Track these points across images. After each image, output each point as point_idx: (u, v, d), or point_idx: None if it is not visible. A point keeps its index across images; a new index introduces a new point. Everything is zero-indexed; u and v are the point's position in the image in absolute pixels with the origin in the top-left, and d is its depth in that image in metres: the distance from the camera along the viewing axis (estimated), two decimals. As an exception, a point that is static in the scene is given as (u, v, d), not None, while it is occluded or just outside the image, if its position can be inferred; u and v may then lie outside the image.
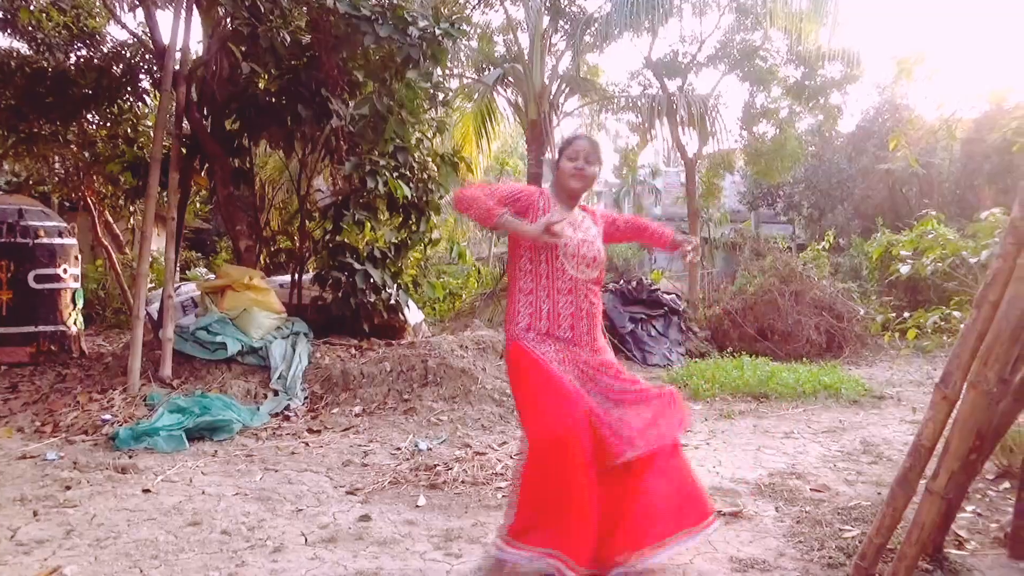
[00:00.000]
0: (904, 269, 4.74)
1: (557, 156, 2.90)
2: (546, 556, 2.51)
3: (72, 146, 9.62)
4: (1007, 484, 3.67)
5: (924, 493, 2.53)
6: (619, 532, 2.58)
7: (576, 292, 2.74)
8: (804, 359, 8.96)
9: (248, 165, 8.02)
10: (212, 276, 10.56)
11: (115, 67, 8.37)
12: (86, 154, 9.75)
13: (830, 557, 2.85)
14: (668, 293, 10.63)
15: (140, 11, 7.37)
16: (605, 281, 10.66)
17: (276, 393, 5.89)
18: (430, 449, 4.71)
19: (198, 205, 12.21)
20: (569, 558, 2.45)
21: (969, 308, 3.30)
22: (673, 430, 2.68)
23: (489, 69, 13.60)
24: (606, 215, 3.08)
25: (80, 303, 7.62)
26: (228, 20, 6.62)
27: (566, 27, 13.25)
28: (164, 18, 8.83)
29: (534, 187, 2.92)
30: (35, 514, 3.36)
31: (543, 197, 2.85)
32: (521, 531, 2.59)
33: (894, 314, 5.41)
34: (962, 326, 2.60)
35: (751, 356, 8.60)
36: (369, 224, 7.41)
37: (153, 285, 9.16)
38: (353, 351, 6.99)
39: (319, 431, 5.22)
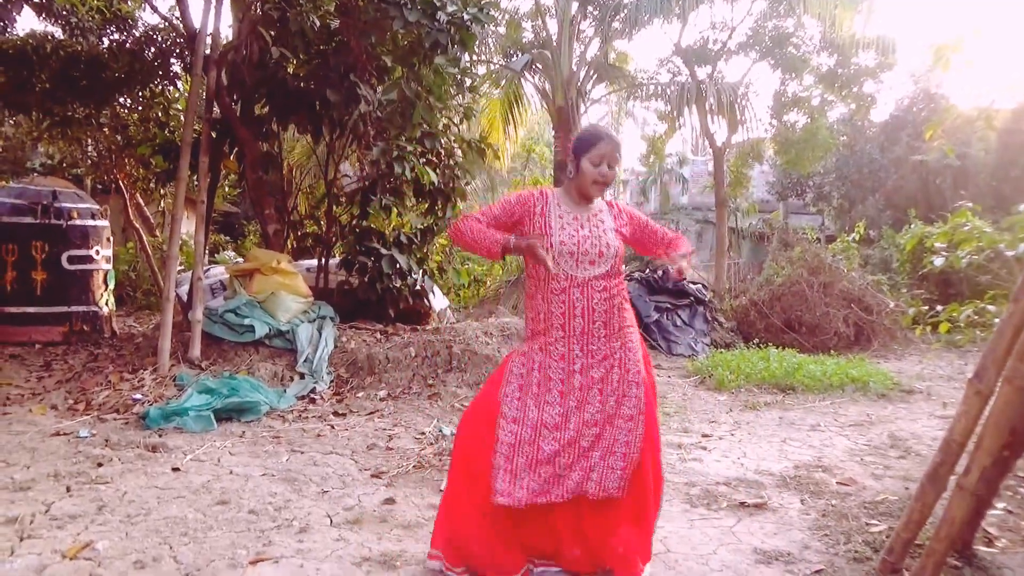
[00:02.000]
0: (938, 262, 4.65)
1: (573, 154, 2.72)
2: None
3: (105, 129, 9.76)
4: (1039, 482, 3.60)
5: (955, 489, 2.50)
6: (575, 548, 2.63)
7: (570, 291, 2.63)
8: (832, 351, 8.86)
9: (277, 149, 8.08)
10: (240, 259, 10.68)
11: (147, 51, 8.47)
12: (118, 137, 9.89)
13: (856, 551, 2.83)
14: (694, 283, 10.54)
15: (172, -5, 7.44)
16: (630, 270, 10.67)
17: (302, 376, 5.95)
18: (454, 434, 4.74)
19: (227, 189, 12.35)
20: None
21: (1005, 302, 3.23)
22: (612, 485, 2.59)
23: (517, 55, 13.56)
24: (629, 211, 2.87)
25: (112, 284, 7.74)
26: (258, 5, 6.65)
27: (595, 13, 13.15)
28: (195, 2, 8.93)
29: (529, 191, 2.77)
30: (68, 490, 3.44)
31: (543, 199, 2.71)
32: (451, 551, 2.62)
33: (925, 307, 5.31)
34: (998, 320, 2.55)
35: (777, 347, 8.52)
36: (396, 210, 7.44)
37: (183, 267, 9.29)
38: (378, 336, 7.04)
39: (344, 414, 5.27)
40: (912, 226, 12.19)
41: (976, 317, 4.56)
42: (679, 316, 9.76)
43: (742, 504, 3.43)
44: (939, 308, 4.95)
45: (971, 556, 2.71)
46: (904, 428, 5.18)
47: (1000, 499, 3.29)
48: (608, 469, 2.58)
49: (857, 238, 12.02)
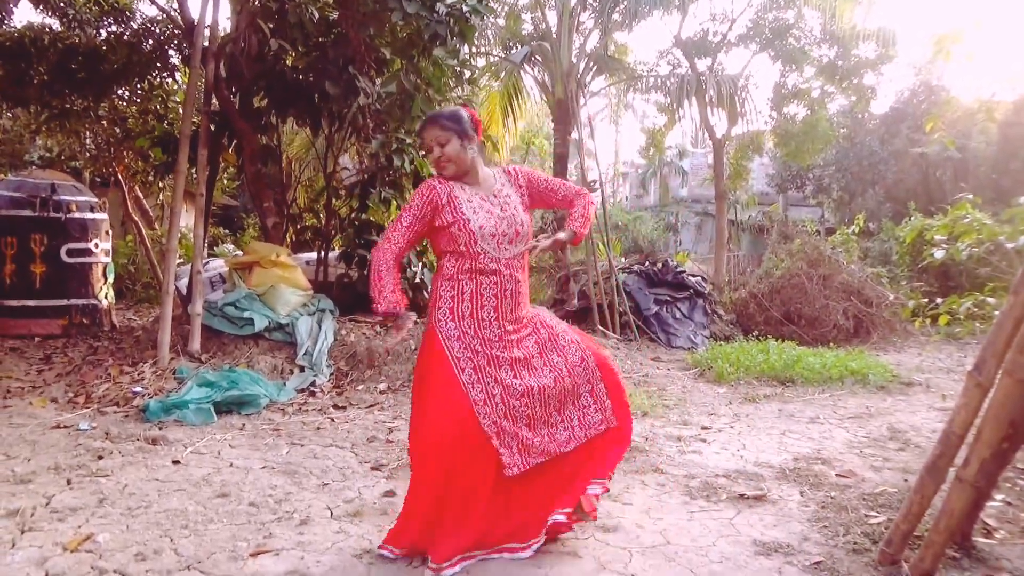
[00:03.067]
0: (938, 254, 4.65)
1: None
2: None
3: (103, 122, 9.74)
4: (1038, 474, 3.61)
5: (954, 481, 2.50)
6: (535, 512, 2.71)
7: (500, 272, 2.68)
8: (831, 344, 8.86)
9: (275, 142, 8.06)
10: (240, 252, 10.67)
11: (145, 43, 8.44)
12: (117, 130, 9.86)
13: (855, 542, 2.83)
14: (693, 275, 10.55)
15: (169, -13, 7.41)
16: (629, 263, 10.67)
17: (302, 369, 5.96)
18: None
19: (226, 182, 12.33)
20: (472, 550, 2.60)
21: (1004, 294, 3.23)
22: (577, 437, 2.78)
23: (516, 47, 13.51)
24: (527, 175, 2.91)
25: (111, 277, 7.74)
26: (256, -4, 6.63)
27: (594, 5, 13.09)
28: (193, -6, 8.87)
29: (428, 185, 2.71)
30: (68, 482, 3.45)
31: (446, 188, 2.70)
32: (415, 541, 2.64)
33: (925, 300, 5.30)
34: (997, 313, 2.55)
35: (777, 340, 8.52)
36: (395, 202, 7.43)
37: (182, 261, 9.28)
38: (378, 329, 7.04)
39: (344, 407, 5.27)
40: (912, 218, 12.17)
41: (976, 309, 4.56)
42: (678, 309, 9.75)
43: (741, 496, 3.44)
44: (939, 300, 4.95)
45: (970, 547, 2.72)
46: (903, 420, 5.19)
47: (999, 491, 3.29)
48: (583, 409, 2.78)
49: (857, 230, 12.01)
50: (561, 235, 2.85)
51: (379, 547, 2.72)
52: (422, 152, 2.83)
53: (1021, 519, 3.08)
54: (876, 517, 3.10)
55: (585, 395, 2.79)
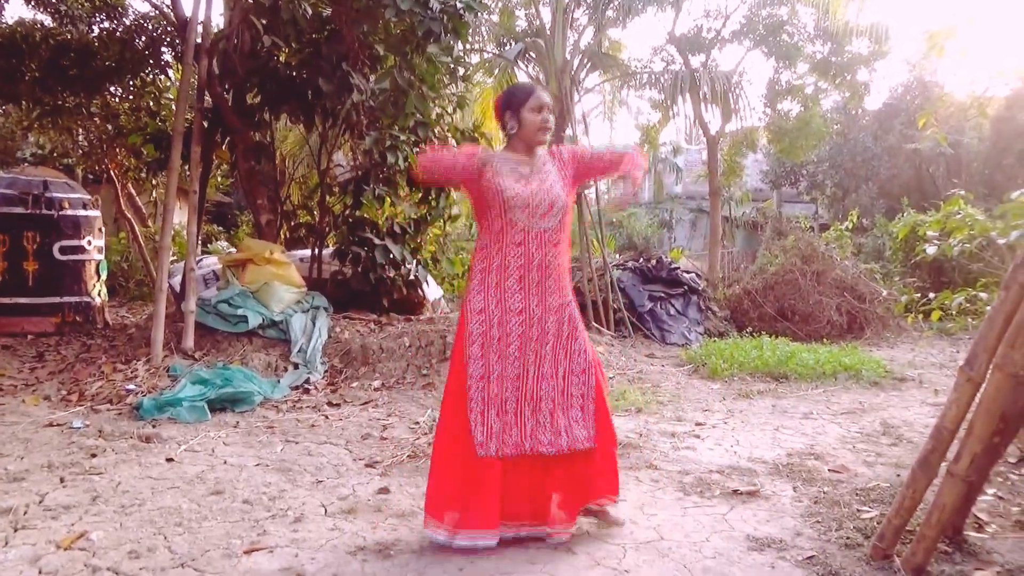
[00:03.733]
0: (931, 250, 4.66)
1: (510, 110, 2.84)
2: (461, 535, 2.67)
3: (95, 119, 9.69)
4: (1029, 468, 3.63)
5: (945, 475, 2.52)
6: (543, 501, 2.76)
7: (527, 244, 2.75)
8: (824, 340, 8.89)
9: (269, 139, 8.04)
10: (233, 250, 10.65)
11: (137, 40, 8.40)
12: (109, 127, 9.82)
13: (848, 537, 2.85)
14: (688, 272, 10.56)
15: (162, -17, 7.37)
16: (624, 259, 10.68)
17: (296, 366, 5.95)
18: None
19: (219, 179, 12.28)
20: (482, 529, 2.65)
21: (996, 290, 3.25)
22: (578, 442, 2.78)
23: (510, 44, 13.47)
24: (570, 150, 3.00)
25: (104, 275, 7.70)
26: (249, -8, 6.60)
27: (588, 1, 13.07)
28: (186, -10, 8.81)
29: (480, 147, 2.95)
30: (62, 480, 3.44)
31: (493, 154, 2.87)
32: (437, 511, 2.73)
33: (918, 295, 5.33)
34: (989, 308, 2.56)
35: (771, 336, 8.55)
36: (389, 199, 7.42)
37: (175, 258, 9.25)
38: (372, 326, 7.04)
39: (339, 404, 5.27)
40: (905, 214, 12.21)
41: (968, 305, 4.58)
42: (673, 305, 9.77)
43: (735, 492, 3.45)
44: (931, 296, 4.97)
45: (961, 541, 2.73)
46: (896, 415, 5.22)
47: (990, 485, 3.32)
48: (572, 422, 2.77)
49: (850, 226, 12.03)
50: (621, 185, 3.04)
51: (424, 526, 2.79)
52: (533, 113, 2.82)
53: (1012, 513, 3.10)
54: (868, 512, 3.11)
55: (575, 409, 2.80)
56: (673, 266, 10.36)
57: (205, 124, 6.92)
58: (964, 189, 5.09)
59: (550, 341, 2.78)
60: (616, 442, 2.95)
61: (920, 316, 6.70)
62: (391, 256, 7.30)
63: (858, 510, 3.15)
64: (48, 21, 8.51)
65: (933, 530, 2.49)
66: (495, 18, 13.65)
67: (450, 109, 8.17)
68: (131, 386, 5.26)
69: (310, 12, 6.56)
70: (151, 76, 9.05)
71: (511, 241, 2.74)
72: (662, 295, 9.80)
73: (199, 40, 6.57)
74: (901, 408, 5.51)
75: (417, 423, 4.77)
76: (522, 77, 13.64)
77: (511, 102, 2.83)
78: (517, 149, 2.86)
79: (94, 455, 3.84)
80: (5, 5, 7.52)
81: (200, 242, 8.35)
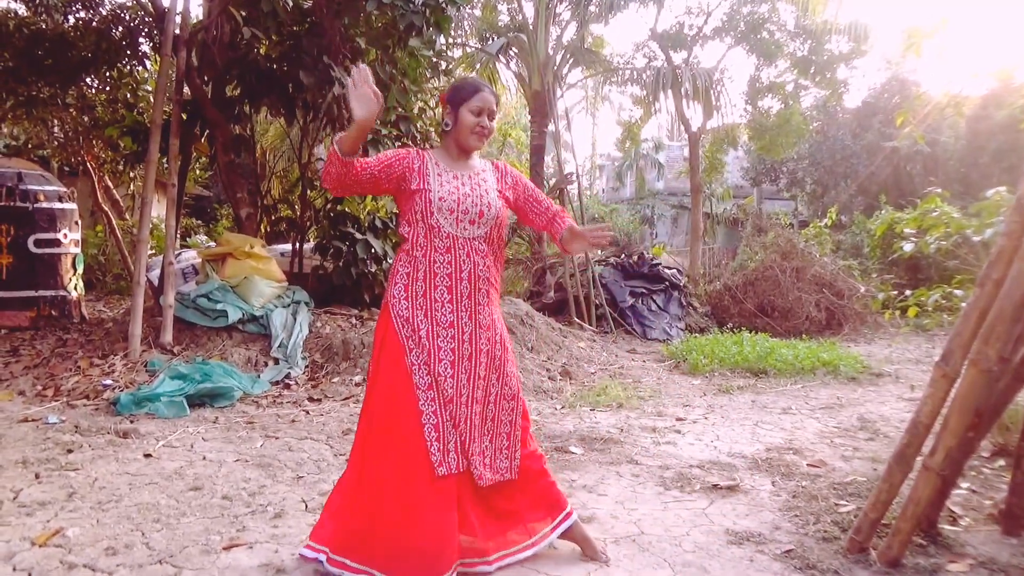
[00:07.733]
0: (907, 247, 4.71)
1: (450, 105, 2.58)
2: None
3: (71, 110, 9.55)
4: (1002, 462, 3.69)
5: (921, 469, 2.55)
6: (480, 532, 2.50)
7: (455, 251, 2.51)
8: (803, 336, 8.98)
9: (249, 132, 7.96)
10: (213, 243, 10.54)
11: (114, 30, 8.28)
12: (85, 118, 9.68)
13: (825, 531, 2.88)
14: (669, 268, 10.63)
15: (140, -27, 7.27)
16: (605, 255, 10.71)
17: (277, 361, 5.91)
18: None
19: (199, 172, 12.17)
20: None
21: (971, 286, 3.29)
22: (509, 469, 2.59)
23: (492, 38, 13.45)
24: (517, 175, 2.76)
25: (80, 268, 7.60)
26: (229, -16, 6.53)
27: (571, -4, 13.08)
28: (164, -19, 8.71)
29: (406, 150, 2.63)
30: (37, 476, 3.39)
31: (420, 158, 2.57)
32: (344, 545, 2.43)
33: (895, 292, 5.40)
34: (964, 304, 2.60)
35: (751, 332, 8.62)
36: (370, 194, 7.38)
37: (153, 252, 9.15)
38: (354, 321, 7.00)
39: (319, 399, 5.24)
40: (883, 212, 12.36)
41: (943, 301, 4.63)
42: (654, 301, 9.83)
43: (715, 486, 3.47)
44: (908, 293, 5.02)
45: (936, 534, 2.77)
46: (873, 410, 5.28)
47: (964, 479, 3.37)
48: (497, 451, 2.58)
49: (829, 223, 12.16)
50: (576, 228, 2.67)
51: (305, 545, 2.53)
52: (471, 115, 2.55)
53: (985, 506, 3.15)
54: (846, 506, 3.15)
55: (502, 437, 2.60)
56: (655, 262, 10.42)
57: (184, 116, 6.84)
58: (941, 187, 5.14)
59: (483, 362, 2.54)
60: (543, 460, 2.73)
61: (897, 312, 6.77)
62: (372, 251, 7.26)
63: (835, 504, 3.19)
64: (22, 10, 8.37)
65: (908, 523, 2.52)
66: (477, 12, 13.62)
67: (432, 103, 8.14)
68: (108, 381, 5.20)
69: (291, 4, 6.51)
70: (128, 67, 8.92)
71: (437, 247, 2.51)
72: (643, 291, 9.85)
73: (177, 31, 6.49)
74: (878, 403, 5.58)
75: (398, 418, 4.75)
76: (504, 73, 13.64)
77: (453, 97, 2.59)
78: (450, 150, 2.63)
79: (70, 451, 3.80)
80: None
81: (179, 236, 8.26)
